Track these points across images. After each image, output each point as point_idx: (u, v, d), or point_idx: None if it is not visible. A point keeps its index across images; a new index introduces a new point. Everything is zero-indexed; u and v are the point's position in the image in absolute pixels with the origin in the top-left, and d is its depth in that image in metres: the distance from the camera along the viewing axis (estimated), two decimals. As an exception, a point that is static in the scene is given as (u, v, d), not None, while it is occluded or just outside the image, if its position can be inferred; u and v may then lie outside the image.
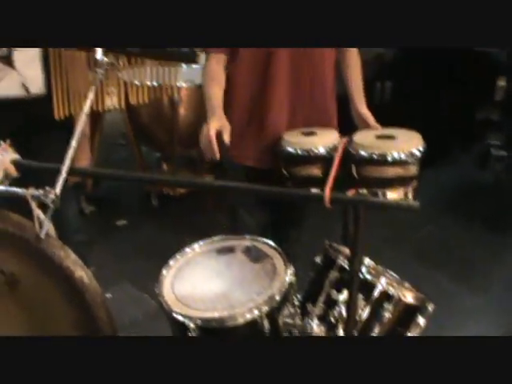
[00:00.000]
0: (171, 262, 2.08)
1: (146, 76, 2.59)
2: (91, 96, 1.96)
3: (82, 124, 1.95)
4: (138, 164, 4.82)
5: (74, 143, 1.93)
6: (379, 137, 2.28)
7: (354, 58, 2.68)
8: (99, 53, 1.93)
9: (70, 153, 1.91)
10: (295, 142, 2.31)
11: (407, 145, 2.22)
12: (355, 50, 2.69)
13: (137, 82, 2.80)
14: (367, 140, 2.26)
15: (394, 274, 2.27)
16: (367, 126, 2.52)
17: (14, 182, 1.94)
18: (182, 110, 4.26)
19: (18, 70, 2.69)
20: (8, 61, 2.68)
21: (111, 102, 2.39)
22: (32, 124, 2.74)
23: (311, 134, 2.36)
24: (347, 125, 2.61)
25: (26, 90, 2.71)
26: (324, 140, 2.31)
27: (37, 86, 2.72)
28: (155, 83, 2.91)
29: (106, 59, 1.96)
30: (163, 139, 4.51)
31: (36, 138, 2.73)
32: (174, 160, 4.68)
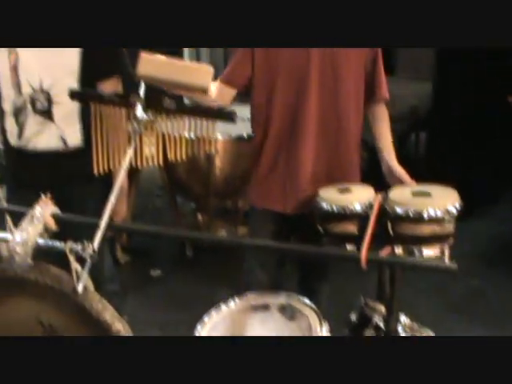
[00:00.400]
0: (206, 319, 2.08)
1: (184, 128, 2.62)
2: (130, 152, 1.99)
3: (120, 180, 1.97)
4: (173, 214, 4.86)
5: (112, 199, 1.95)
6: (415, 193, 2.27)
7: (382, 113, 2.71)
8: (139, 110, 1.97)
9: (109, 208, 1.93)
10: (330, 198, 2.32)
11: (443, 202, 2.20)
12: (383, 105, 2.72)
13: (175, 134, 2.84)
14: (403, 197, 2.25)
15: (430, 331, 2.25)
16: (400, 182, 2.52)
17: (53, 235, 1.97)
18: (218, 163, 4.30)
19: (57, 124, 2.75)
20: (48, 115, 2.74)
21: (149, 155, 2.41)
22: (69, 176, 2.79)
23: (346, 190, 2.37)
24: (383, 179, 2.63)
25: (64, 142, 2.78)
26: (359, 197, 2.31)
27: (75, 139, 2.78)
28: (192, 135, 2.95)
29: (145, 116, 2.00)
30: (199, 191, 4.54)
31: (73, 190, 2.79)
32: (209, 211, 4.71)
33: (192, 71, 2.02)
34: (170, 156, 2.13)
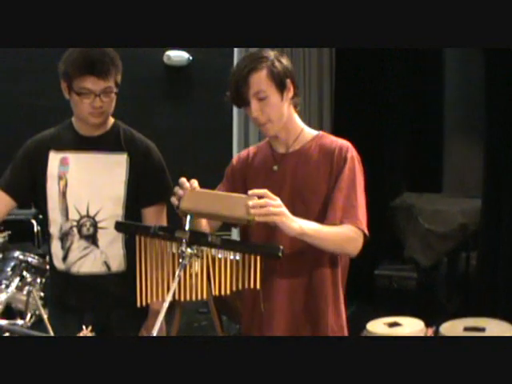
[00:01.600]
0: None
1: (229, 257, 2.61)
2: (175, 285, 1.98)
3: (163, 313, 1.95)
4: (218, 334, 4.78)
5: (154, 333, 1.93)
6: (467, 329, 2.20)
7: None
8: (185, 245, 1.96)
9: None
10: (379, 333, 2.25)
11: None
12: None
13: (219, 256, 2.82)
14: (455, 332, 2.18)
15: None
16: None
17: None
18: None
19: (101, 249, 2.77)
20: (93, 240, 2.76)
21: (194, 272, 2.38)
22: (110, 299, 2.78)
23: (396, 324, 2.30)
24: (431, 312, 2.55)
25: (108, 267, 2.78)
26: (409, 332, 2.24)
27: (118, 264, 2.79)
28: (237, 258, 2.92)
29: (189, 250, 1.99)
30: (244, 311, 4.47)
31: (113, 313, 2.78)
32: (254, 333, 4.62)
33: (237, 204, 2.02)
34: (215, 291, 2.10)
